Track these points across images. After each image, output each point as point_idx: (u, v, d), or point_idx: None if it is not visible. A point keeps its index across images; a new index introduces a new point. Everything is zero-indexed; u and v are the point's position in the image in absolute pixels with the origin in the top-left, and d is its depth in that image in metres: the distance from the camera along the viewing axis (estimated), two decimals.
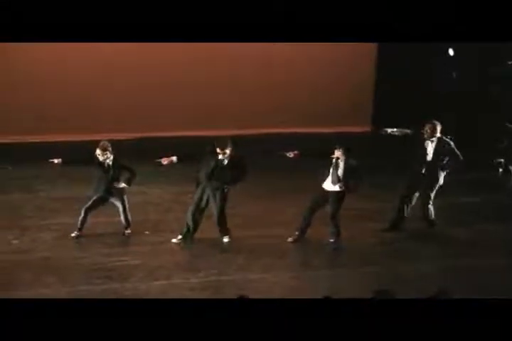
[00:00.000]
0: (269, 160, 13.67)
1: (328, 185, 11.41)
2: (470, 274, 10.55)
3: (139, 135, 16.79)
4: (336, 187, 11.38)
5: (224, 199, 11.49)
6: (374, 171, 14.29)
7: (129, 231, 11.80)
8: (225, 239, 11.65)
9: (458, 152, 12.12)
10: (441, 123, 12.14)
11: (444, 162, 12.16)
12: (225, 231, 11.63)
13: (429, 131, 12.10)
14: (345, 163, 11.33)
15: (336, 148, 11.34)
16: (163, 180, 12.07)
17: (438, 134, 12.14)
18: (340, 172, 11.34)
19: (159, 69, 17.38)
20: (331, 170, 11.37)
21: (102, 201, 11.66)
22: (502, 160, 15.24)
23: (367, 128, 18.86)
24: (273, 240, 11.77)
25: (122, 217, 11.71)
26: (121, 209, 11.69)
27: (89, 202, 11.58)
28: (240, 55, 17.71)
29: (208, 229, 11.74)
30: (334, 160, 11.34)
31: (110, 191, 11.60)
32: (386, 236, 12.15)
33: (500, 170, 15.26)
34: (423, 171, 12.15)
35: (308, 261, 11.40)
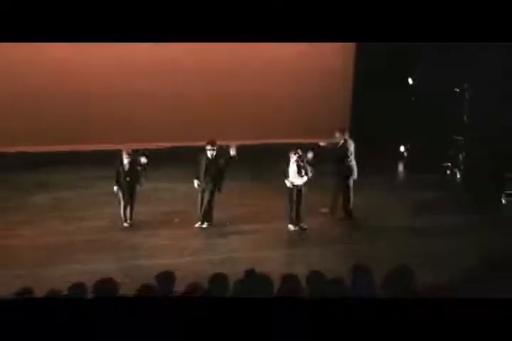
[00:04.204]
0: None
1: (295, 180, 11.28)
2: (425, 254, 10.19)
3: (169, 144, 15.87)
4: (300, 181, 11.26)
5: (212, 192, 11.37)
6: None
7: (127, 224, 11.47)
8: (204, 225, 11.48)
9: (351, 156, 11.85)
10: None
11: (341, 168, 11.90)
12: (208, 218, 11.49)
13: (338, 134, 11.91)
14: (303, 162, 11.19)
15: (293, 153, 11.23)
16: (189, 180, 11.87)
17: (346, 137, 11.92)
18: (300, 170, 11.18)
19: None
20: (294, 169, 11.20)
21: (125, 194, 11.38)
22: (449, 164, 15.07)
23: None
24: (278, 226, 11.55)
25: (128, 209, 11.42)
26: (131, 201, 11.44)
27: (121, 198, 11.40)
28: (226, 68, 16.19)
29: (225, 217, 11.65)
30: (296, 162, 11.19)
31: (129, 186, 11.33)
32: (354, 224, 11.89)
33: (448, 172, 15.10)
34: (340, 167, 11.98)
35: (297, 241, 11.24)
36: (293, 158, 11.24)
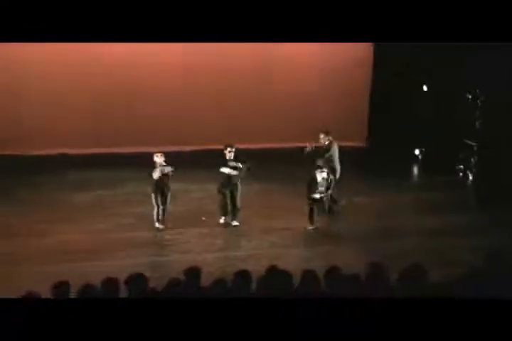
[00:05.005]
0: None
1: (317, 195, 11.41)
2: (436, 254, 10.19)
3: (198, 148, 15.62)
4: (319, 195, 11.41)
5: (237, 191, 11.49)
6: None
7: (158, 224, 11.35)
8: (234, 223, 11.58)
9: (333, 158, 11.94)
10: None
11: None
12: (234, 217, 11.60)
13: (323, 136, 12.00)
14: (327, 180, 11.42)
15: (319, 170, 11.39)
16: (214, 181, 11.94)
17: (330, 139, 12.03)
18: (325, 186, 11.39)
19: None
20: (318, 184, 11.34)
21: (157, 196, 11.30)
22: (462, 166, 15.09)
23: (362, 144, 16.79)
24: (298, 225, 11.58)
25: (160, 210, 11.33)
26: (168, 200, 11.38)
27: (153, 197, 11.30)
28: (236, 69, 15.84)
29: (250, 217, 11.70)
30: (323, 180, 11.37)
31: (161, 186, 11.24)
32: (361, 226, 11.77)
33: (461, 174, 15.11)
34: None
35: (316, 240, 11.25)
36: (319, 176, 11.33)
